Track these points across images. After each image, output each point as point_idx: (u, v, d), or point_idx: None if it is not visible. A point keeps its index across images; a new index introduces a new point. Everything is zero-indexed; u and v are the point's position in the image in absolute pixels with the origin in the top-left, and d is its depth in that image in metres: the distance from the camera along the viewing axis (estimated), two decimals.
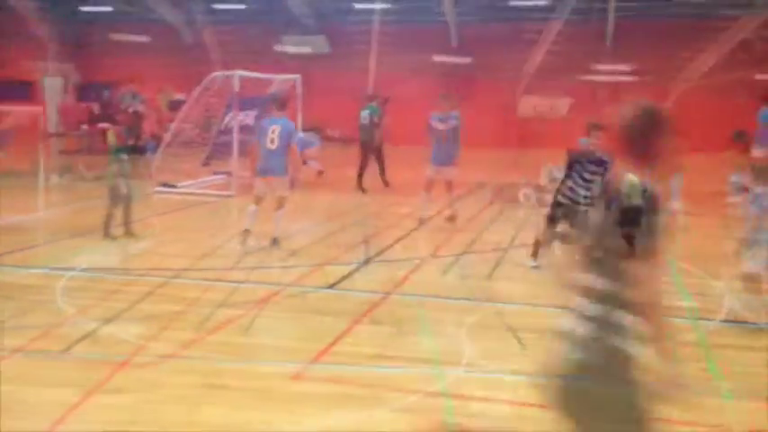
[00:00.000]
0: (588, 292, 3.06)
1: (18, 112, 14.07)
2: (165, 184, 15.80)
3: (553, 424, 3.13)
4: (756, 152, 14.77)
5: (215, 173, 17.37)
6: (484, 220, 13.16)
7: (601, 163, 8.61)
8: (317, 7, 29.22)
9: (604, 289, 3.00)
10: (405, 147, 19.44)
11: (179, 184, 16.08)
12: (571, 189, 8.90)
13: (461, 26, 28.93)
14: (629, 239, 2.96)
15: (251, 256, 9.72)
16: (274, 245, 10.21)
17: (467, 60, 28.26)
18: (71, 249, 10.02)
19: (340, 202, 14.96)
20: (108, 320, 6.79)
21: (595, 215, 3.15)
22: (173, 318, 6.95)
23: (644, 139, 3.07)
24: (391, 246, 10.76)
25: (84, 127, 24.73)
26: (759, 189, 7.40)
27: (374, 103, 17.40)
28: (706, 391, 4.91)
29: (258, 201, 10.39)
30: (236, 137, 16.02)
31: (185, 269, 8.96)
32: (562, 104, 25.67)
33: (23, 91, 28.16)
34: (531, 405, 5.21)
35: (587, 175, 8.74)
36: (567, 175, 9.02)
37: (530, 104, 26.59)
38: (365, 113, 17.06)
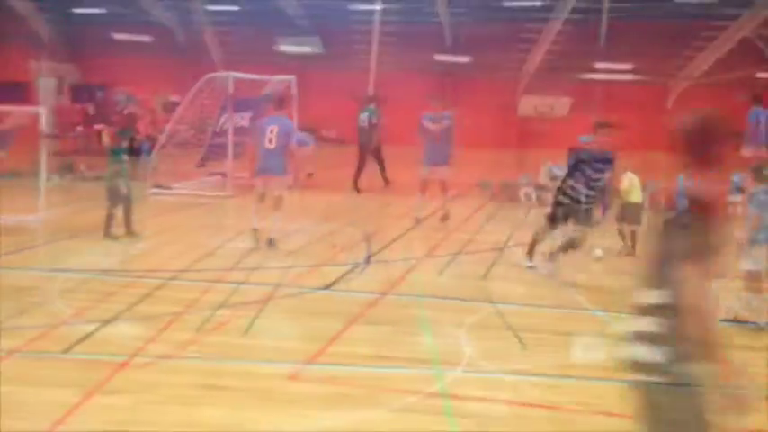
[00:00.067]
0: (647, 299, 3.10)
1: (19, 112, 14.01)
2: (159, 186, 15.79)
3: (553, 424, 3.16)
4: (746, 151, 14.90)
5: (210, 174, 17.37)
6: (480, 220, 13.20)
7: (606, 161, 8.64)
8: (312, 8, 29.21)
9: (661, 297, 3.03)
10: (404, 147, 19.47)
11: (174, 186, 16.07)
12: (573, 188, 8.89)
13: (461, 26, 28.94)
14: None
15: (249, 257, 9.74)
16: (270, 245, 10.23)
17: (466, 60, 28.28)
18: (71, 250, 10.02)
19: (336, 203, 14.97)
20: (107, 321, 6.80)
21: (655, 221, 3.20)
22: (172, 318, 6.96)
23: (705, 145, 3.15)
24: (388, 246, 10.78)
25: (80, 128, 24.70)
26: (758, 188, 7.45)
27: (372, 106, 17.44)
28: None
29: (261, 199, 10.44)
30: (230, 138, 16.04)
31: (183, 270, 8.96)
32: (562, 104, 25.68)
33: (17, 92, 28.04)
34: (531, 405, 5.26)
35: (594, 174, 8.73)
36: (570, 174, 9.02)
37: (530, 104, 26.59)
38: (364, 116, 17.10)
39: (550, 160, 15.42)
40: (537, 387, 5.57)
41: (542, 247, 9.41)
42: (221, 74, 17.11)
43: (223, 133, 16.51)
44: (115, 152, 10.99)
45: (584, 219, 8.93)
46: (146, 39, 29.67)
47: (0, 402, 4.91)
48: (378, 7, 25.42)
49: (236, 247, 10.30)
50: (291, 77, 18.61)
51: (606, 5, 26.39)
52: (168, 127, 17.71)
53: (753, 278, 7.25)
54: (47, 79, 30.69)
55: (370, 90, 22.34)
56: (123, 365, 5.73)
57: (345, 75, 27.50)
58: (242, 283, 8.38)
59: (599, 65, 27.12)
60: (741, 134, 12.69)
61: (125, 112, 22.99)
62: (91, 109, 26.87)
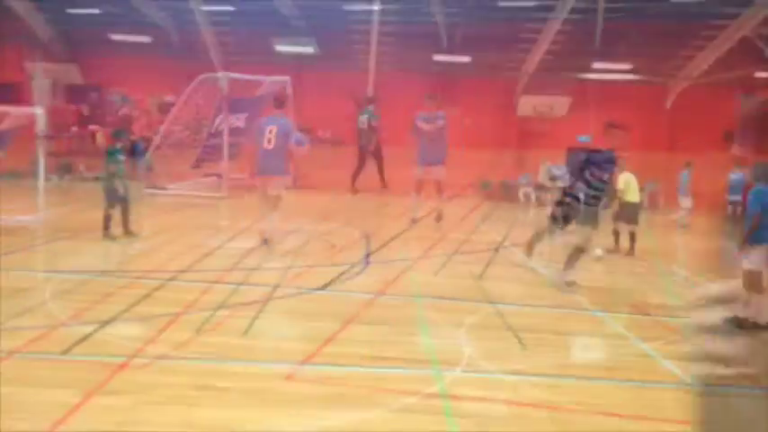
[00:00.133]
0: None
1: (16, 112, 14.01)
2: (154, 187, 15.77)
3: (553, 424, 3.16)
4: (736, 150, 14.97)
5: (206, 175, 17.36)
6: (476, 220, 13.22)
7: (611, 161, 8.66)
8: (307, 9, 29.16)
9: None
10: (404, 147, 19.47)
11: (169, 186, 16.05)
12: (581, 189, 8.84)
13: (459, 26, 28.90)
14: None
15: (246, 258, 9.73)
16: (265, 245, 10.22)
17: (464, 60, 28.26)
18: (70, 250, 10.01)
19: (333, 203, 14.97)
20: (106, 322, 6.78)
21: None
22: (171, 319, 6.95)
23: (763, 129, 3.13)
24: (384, 246, 10.79)
25: (74, 129, 24.66)
26: (758, 188, 7.48)
27: (371, 107, 17.47)
28: None
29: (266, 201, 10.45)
30: (226, 139, 16.03)
31: (182, 271, 8.96)
32: (561, 104, 25.70)
33: (12, 93, 27.96)
34: (531, 405, 5.27)
35: (605, 176, 8.71)
36: (579, 177, 8.93)
37: (529, 104, 26.61)
38: (363, 118, 17.16)
39: (549, 160, 15.47)
40: (536, 387, 5.58)
41: (540, 247, 9.43)
42: (216, 74, 17.08)
43: (218, 134, 16.50)
44: (111, 153, 10.99)
45: (591, 219, 8.91)
46: (140, 39, 29.59)
47: (0, 403, 4.90)
48: (375, 8, 25.42)
49: (234, 247, 10.30)
50: (287, 78, 18.61)
51: (605, 5, 26.42)
52: (163, 127, 17.70)
53: (752, 277, 7.27)
54: (41, 80, 30.63)
55: (369, 91, 22.36)
56: (122, 366, 5.72)
57: (342, 75, 27.47)
58: (240, 283, 8.38)
59: (598, 65, 27.09)
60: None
61: (120, 112, 22.98)
62: (85, 110, 26.82)
